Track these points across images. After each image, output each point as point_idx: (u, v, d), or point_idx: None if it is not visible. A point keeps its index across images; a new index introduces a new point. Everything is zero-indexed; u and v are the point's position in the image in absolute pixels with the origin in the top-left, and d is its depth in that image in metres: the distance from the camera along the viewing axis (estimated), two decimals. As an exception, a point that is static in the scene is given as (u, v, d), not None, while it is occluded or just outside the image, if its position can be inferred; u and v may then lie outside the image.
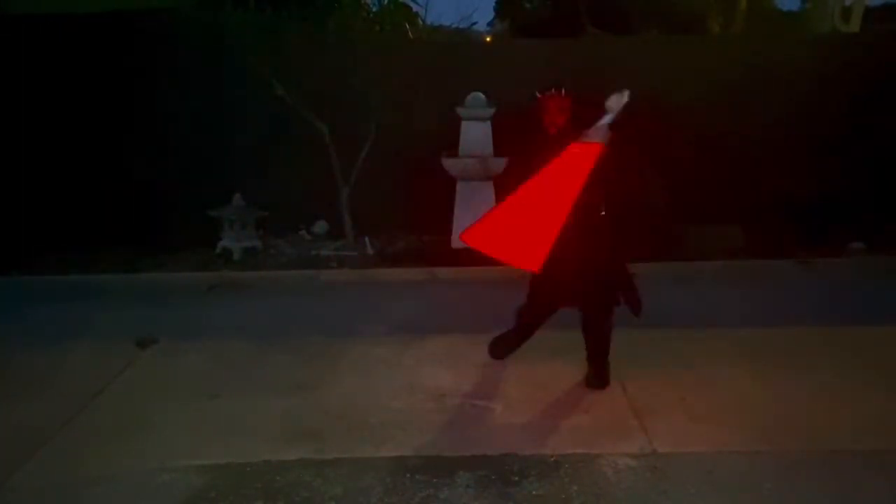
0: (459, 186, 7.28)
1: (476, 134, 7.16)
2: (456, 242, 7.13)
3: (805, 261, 6.78)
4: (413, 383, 4.29)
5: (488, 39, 16.36)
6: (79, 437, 3.77)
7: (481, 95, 7.24)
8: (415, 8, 8.78)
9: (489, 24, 19.57)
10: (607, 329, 4.13)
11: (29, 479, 3.37)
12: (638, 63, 7.65)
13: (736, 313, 5.47)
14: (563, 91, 4.10)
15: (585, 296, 4.05)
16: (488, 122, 7.16)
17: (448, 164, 7.19)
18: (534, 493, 3.17)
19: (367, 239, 7.52)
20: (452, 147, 7.22)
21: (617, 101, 3.90)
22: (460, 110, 7.20)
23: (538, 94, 4.14)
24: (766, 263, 6.76)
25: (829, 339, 4.89)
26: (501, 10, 18.91)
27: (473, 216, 7.03)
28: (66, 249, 7.00)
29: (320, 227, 7.96)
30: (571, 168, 3.76)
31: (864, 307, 5.59)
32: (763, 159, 7.56)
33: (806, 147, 7.55)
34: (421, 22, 9.40)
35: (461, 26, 10.92)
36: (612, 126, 3.89)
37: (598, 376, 4.15)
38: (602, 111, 3.92)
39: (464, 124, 7.23)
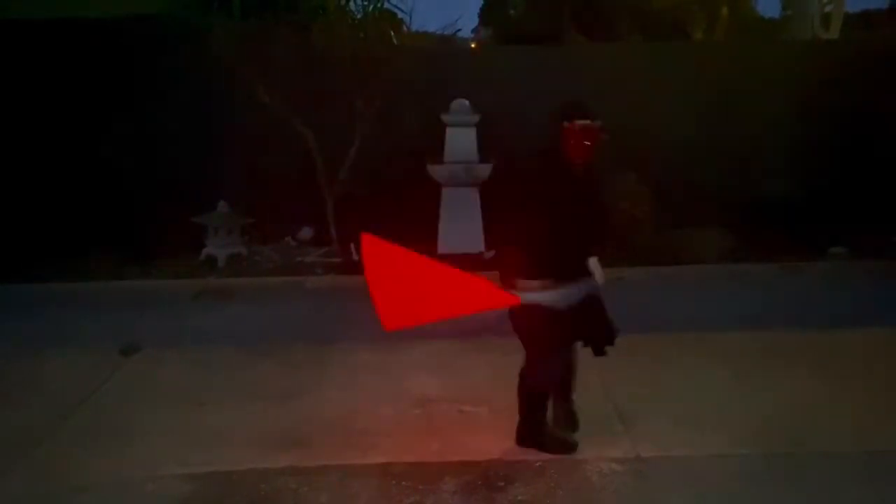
0: (445, 193, 7.31)
1: (461, 140, 7.19)
2: (442, 248, 7.15)
3: (787, 265, 6.85)
4: (399, 390, 4.29)
5: (473, 46, 16.42)
6: (63, 445, 3.74)
7: (466, 102, 7.27)
8: (399, 15, 8.79)
9: (474, 30, 19.67)
10: (541, 378, 3.51)
11: (12, 488, 3.34)
12: (621, 69, 7.72)
13: (719, 317, 5.51)
14: (593, 118, 3.26)
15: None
16: (473, 129, 7.19)
17: (433, 170, 7.21)
18: (519, 498, 3.18)
19: (352, 245, 7.51)
20: (438, 153, 7.25)
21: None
22: (445, 117, 7.23)
23: (564, 122, 3.24)
24: (749, 267, 6.83)
25: (812, 342, 4.94)
26: (486, 17, 19.01)
27: (459, 222, 7.14)
28: (51, 257, 6.94)
29: (305, 233, 7.95)
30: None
31: (846, 310, 5.65)
32: (745, 164, 7.64)
33: (788, 152, 7.63)
34: (406, 29, 9.42)
35: (446, 33, 10.93)
36: None
37: (518, 433, 3.59)
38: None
39: (449, 131, 7.25)
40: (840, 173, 7.57)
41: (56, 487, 3.34)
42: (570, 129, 3.22)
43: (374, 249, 3.29)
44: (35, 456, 3.63)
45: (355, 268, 7.15)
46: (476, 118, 7.19)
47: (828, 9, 12.44)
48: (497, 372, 4.42)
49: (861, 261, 6.97)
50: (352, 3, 7.62)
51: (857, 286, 6.31)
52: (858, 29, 13.24)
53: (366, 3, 7.46)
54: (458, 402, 4.08)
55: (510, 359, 4.29)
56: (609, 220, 3.41)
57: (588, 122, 3.23)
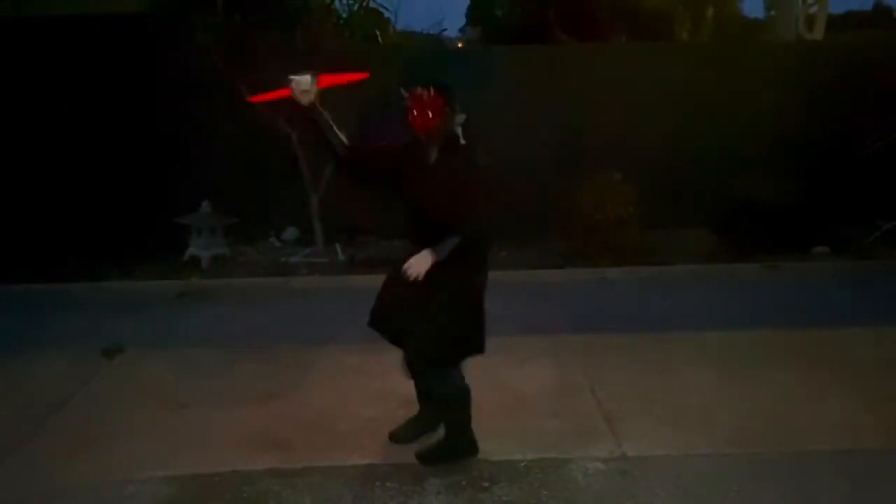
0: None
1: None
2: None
3: (771, 264, 6.88)
4: (384, 390, 4.27)
5: (460, 45, 16.44)
6: (43, 448, 3.70)
7: (452, 101, 7.23)
8: (385, 14, 8.78)
9: (461, 30, 19.69)
10: (450, 391, 3.41)
11: (-10, 493, 3.31)
12: (606, 69, 7.73)
13: (703, 316, 5.52)
14: (435, 90, 3.49)
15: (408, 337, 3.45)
16: (459, 129, 7.16)
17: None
18: (504, 498, 3.18)
19: (337, 245, 7.49)
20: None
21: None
22: (431, 116, 7.20)
23: (404, 92, 3.47)
24: (733, 267, 6.86)
25: (795, 341, 4.96)
26: (473, 16, 19.04)
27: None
28: (32, 257, 6.87)
29: (290, 233, 7.92)
30: None
31: (829, 310, 5.68)
32: (730, 164, 7.66)
33: (772, 152, 7.66)
34: (392, 28, 9.42)
35: (432, 32, 10.93)
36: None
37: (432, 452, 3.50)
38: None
39: (434, 130, 7.22)
40: (824, 172, 7.60)
41: (35, 491, 3.30)
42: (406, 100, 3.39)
43: None
44: (15, 458, 3.59)
45: (340, 268, 7.17)
46: (462, 118, 7.15)
47: (812, 10, 12.54)
48: (480, 372, 4.41)
49: (844, 260, 7.02)
50: (337, 2, 7.60)
51: (840, 285, 6.34)
52: (842, 30, 13.35)
53: (351, 2, 7.45)
54: (443, 403, 4.06)
55: (493, 359, 4.29)
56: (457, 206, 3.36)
57: (417, 91, 3.38)
